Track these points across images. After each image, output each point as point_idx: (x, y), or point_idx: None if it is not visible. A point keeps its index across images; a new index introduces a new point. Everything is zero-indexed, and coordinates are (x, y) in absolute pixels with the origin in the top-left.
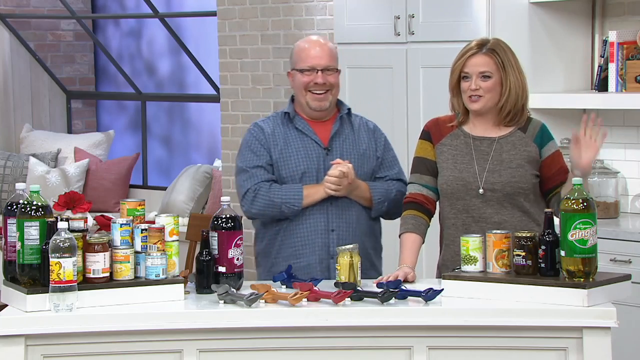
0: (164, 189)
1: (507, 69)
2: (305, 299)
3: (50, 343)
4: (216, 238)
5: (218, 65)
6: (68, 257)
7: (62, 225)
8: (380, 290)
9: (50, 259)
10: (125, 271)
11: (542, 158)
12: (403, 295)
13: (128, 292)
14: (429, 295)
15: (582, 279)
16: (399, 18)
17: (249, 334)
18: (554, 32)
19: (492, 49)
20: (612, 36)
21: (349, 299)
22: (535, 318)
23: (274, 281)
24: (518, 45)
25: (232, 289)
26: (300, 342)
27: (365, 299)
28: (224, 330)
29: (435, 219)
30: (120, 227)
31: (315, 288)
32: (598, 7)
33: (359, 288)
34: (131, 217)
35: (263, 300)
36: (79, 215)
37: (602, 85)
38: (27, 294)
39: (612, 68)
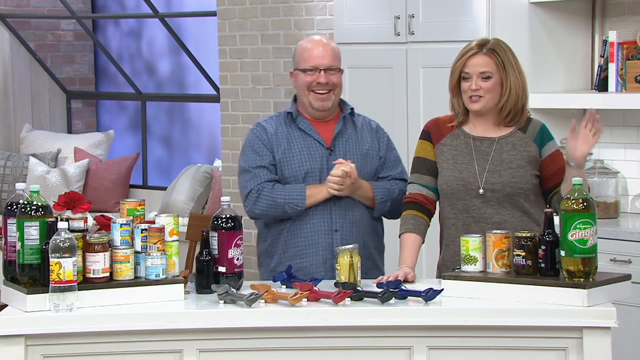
0: (164, 189)
1: (507, 69)
2: (305, 299)
3: (50, 343)
4: (216, 238)
5: (218, 65)
6: (68, 257)
7: (62, 225)
8: (380, 290)
9: (50, 259)
10: (125, 271)
11: (542, 158)
12: (403, 295)
13: (128, 292)
14: (429, 295)
15: (582, 279)
16: (399, 18)
17: (249, 334)
18: (554, 32)
19: (493, 49)
20: (612, 36)
21: (349, 299)
22: (535, 318)
23: (274, 281)
24: (518, 45)
25: (232, 289)
26: (300, 342)
27: (365, 299)
28: (224, 330)
29: (435, 219)
30: (120, 227)
31: (315, 288)
32: (598, 7)
33: (359, 288)
34: (131, 217)
35: (263, 300)
36: (79, 215)
37: (602, 85)
38: (27, 294)
39: (612, 68)
